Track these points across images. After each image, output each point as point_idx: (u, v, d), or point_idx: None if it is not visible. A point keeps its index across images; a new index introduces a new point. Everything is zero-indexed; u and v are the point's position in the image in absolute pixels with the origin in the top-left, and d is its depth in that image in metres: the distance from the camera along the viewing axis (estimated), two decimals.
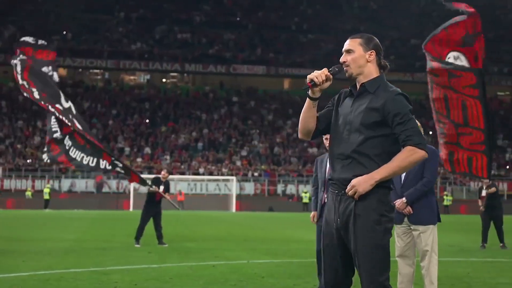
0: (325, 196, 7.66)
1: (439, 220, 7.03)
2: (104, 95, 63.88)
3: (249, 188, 52.04)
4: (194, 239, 17.11)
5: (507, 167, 58.37)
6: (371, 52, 4.02)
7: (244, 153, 57.28)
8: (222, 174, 52.52)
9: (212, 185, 50.90)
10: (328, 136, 7.82)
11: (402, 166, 3.81)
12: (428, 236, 6.91)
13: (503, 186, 50.35)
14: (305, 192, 47.58)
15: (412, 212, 6.90)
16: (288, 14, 71.62)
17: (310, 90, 4.01)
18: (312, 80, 3.97)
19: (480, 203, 15.18)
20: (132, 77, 69.27)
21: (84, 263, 10.91)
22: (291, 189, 52.57)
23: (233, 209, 46.89)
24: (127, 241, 15.63)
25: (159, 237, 14.83)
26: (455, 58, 7.60)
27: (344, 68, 4.04)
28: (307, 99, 4.09)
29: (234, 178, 49.50)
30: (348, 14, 73.37)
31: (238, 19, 71.03)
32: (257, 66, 67.14)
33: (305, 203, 46.50)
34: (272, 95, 67.02)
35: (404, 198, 6.92)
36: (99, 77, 68.56)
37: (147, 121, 60.33)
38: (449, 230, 22.04)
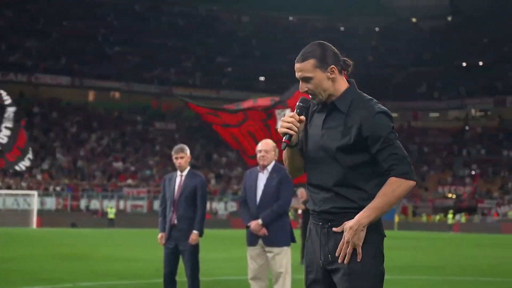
0: (174, 216, 7.39)
1: (293, 241, 7.03)
2: None
3: (51, 203, 49.86)
4: (8, 259, 15.87)
5: None
6: (331, 69, 3.39)
7: (45, 166, 54.87)
8: (22, 188, 49.85)
9: (10, 200, 48.10)
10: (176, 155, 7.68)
11: (390, 201, 3.29)
12: (283, 258, 6.88)
13: None
14: (111, 208, 46.49)
15: (267, 234, 6.84)
16: (95, 25, 69.98)
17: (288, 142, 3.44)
18: (286, 134, 3.38)
19: None
20: None
21: None
22: (95, 204, 51.16)
23: (34, 225, 44.61)
24: None
25: None
26: None
27: (311, 97, 3.46)
28: (288, 149, 3.49)
29: (35, 192, 47.17)
30: (156, 28, 73.21)
31: (41, 26, 68.05)
32: (60, 77, 64.84)
33: (111, 219, 45.40)
34: (76, 107, 64.94)
35: (259, 220, 6.84)
36: None
37: None
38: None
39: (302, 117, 3.42)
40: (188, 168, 7.55)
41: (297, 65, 3.42)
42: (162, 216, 7.60)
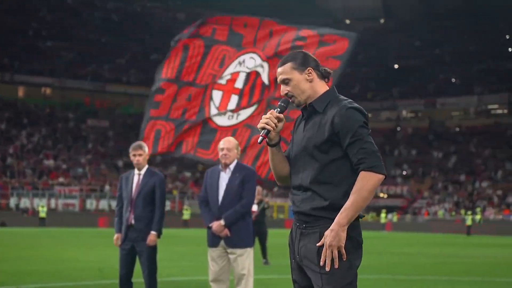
0: (132, 216, 7.13)
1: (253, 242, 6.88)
2: None
3: None
4: None
5: None
6: (308, 71, 3.56)
7: None
8: None
9: None
10: (133, 151, 7.41)
11: (364, 197, 3.35)
12: (245, 259, 6.71)
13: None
14: (42, 206, 45.33)
15: (229, 235, 6.66)
16: (26, 19, 68.16)
17: (267, 139, 3.56)
18: (264, 129, 3.51)
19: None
20: None
21: None
22: (25, 202, 49.80)
23: None
24: None
25: None
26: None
27: (291, 99, 3.59)
28: (269, 148, 3.63)
29: None
30: (90, 24, 71.89)
31: None
32: None
33: (42, 218, 44.24)
34: (5, 103, 63.09)
35: (222, 221, 6.65)
36: None
37: None
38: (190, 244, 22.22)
39: (281, 115, 3.55)
40: (146, 166, 7.29)
41: (277, 70, 3.61)
42: (118, 216, 7.32)
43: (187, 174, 60.45)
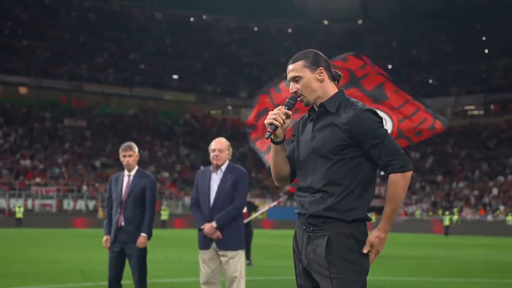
0: (122, 218, 7.04)
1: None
2: None
3: None
4: None
5: None
6: (320, 71, 3.53)
7: None
8: None
9: None
10: (124, 152, 7.30)
11: (400, 199, 3.43)
12: (237, 261, 6.65)
13: None
14: (19, 207, 44.86)
15: (221, 237, 6.59)
16: (2, 17, 67.41)
17: (273, 135, 3.52)
18: (271, 124, 3.47)
19: None
20: None
21: None
22: (1, 203, 49.20)
23: None
24: None
25: None
26: None
27: (299, 98, 3.55)
28: (272, 145, 3.59)
29: None
30: (66, 23, 71.29)
31: None
32: None
33: (19, 219, 43.80)
34: None
35: (214, 223, 6.58)
36: None
37: None
38: (170, 245, 22.13)
39: (289, 112, 3.50)
40: (136, 167, 7.20)
41: (288, 67, 3.58)
42: (108, 218, 7.22)
43: (165, 174, 60.16)
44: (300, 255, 3.53)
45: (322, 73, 3.53)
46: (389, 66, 76.84)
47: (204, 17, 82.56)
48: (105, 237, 7.17)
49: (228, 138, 7.39)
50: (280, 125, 3.47)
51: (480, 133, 66.51)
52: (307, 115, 3.65)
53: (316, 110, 3.57)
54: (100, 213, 48.51)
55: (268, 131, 3.48)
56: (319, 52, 3.62)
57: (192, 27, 79.94)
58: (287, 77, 3.59)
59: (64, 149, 59.91)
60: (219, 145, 6.72)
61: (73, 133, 62.94)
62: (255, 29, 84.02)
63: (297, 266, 3.58)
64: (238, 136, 63.50)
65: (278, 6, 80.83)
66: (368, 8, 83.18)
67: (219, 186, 6.68)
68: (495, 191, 55.25)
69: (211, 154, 6.76)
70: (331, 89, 3.57)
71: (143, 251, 7.01)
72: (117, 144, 62.91)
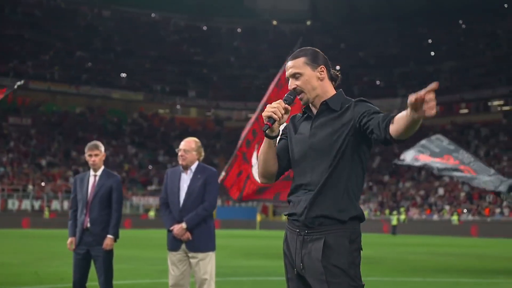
0: (87, 219, 6.85)
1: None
2: None
3: None
4: None
5: None
6: (321, 69, 3.48)
7: None
8: None
9: None
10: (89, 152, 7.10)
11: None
12: (207, 263, 6.54)
13: None
14: None
15: (191, 239, 6.47)
16: None
17: (268, 130, 3.43)
18: (270, 118, 3.38)
19: None
20: None
21: None
22: None
23: None
24: None
25: None
26: None
27: (299, 96, 3.48)
28: (265, 139, 3.49)
29: None
30: (11, 19, 69.73)
31: None
32: None
33: None
34: None
35: (183, 224, 6.46)
36: None
37: None
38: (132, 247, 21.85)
39: (288, 107, 3.42)
40: (103, 167, 7.02)
41: (288, 63, 3.49)
42: (72, 219, 7.02)
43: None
44: (293, 259, 3.43)
45: (323, 71, 3.49)
46: (337, 67, 77.56)
47: (153, 15, 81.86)
48: (69, 239, 6.96)
49: (176, 138, 7.30)
50: (278, 119, 3.39)
51: (426, 134, 67.23)
52: (300, 114, 3.59)
53: (315, 108, 3.51)
54: (46, 213, 47.61)
55: (266, 124, 3.40)
56: (319, 51, 3.56)
57: (141, 25, 79.17)
58: (286, 73, 3.51)
59: (8, 148, 58.63)
60: (184, 145, 6.64)
61: (18, 131, 61.66)
62: (205, 28, 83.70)
63: (289, 270, 3.47)
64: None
65: (228, 5, 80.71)
66: (318, 10, 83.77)
67: (189, 186, 6.58)
68: (441, 191, 56.28)
69: (178, 154, 6.69)
70: (330, 88, 3.52)
71: (110, 253, 6.85)
72: (63, 143, 61.91)
